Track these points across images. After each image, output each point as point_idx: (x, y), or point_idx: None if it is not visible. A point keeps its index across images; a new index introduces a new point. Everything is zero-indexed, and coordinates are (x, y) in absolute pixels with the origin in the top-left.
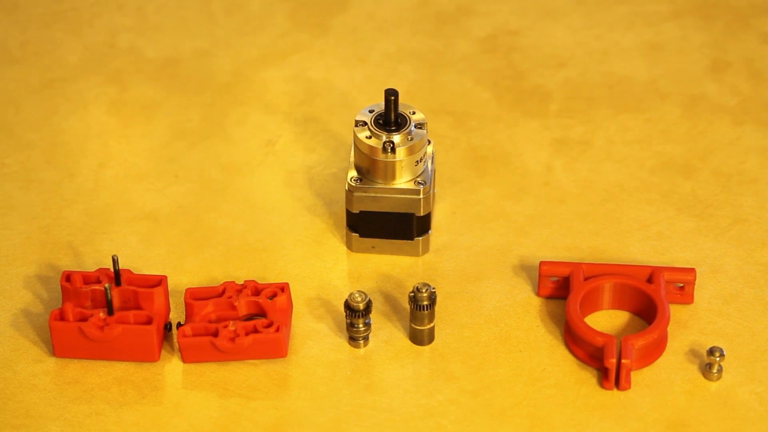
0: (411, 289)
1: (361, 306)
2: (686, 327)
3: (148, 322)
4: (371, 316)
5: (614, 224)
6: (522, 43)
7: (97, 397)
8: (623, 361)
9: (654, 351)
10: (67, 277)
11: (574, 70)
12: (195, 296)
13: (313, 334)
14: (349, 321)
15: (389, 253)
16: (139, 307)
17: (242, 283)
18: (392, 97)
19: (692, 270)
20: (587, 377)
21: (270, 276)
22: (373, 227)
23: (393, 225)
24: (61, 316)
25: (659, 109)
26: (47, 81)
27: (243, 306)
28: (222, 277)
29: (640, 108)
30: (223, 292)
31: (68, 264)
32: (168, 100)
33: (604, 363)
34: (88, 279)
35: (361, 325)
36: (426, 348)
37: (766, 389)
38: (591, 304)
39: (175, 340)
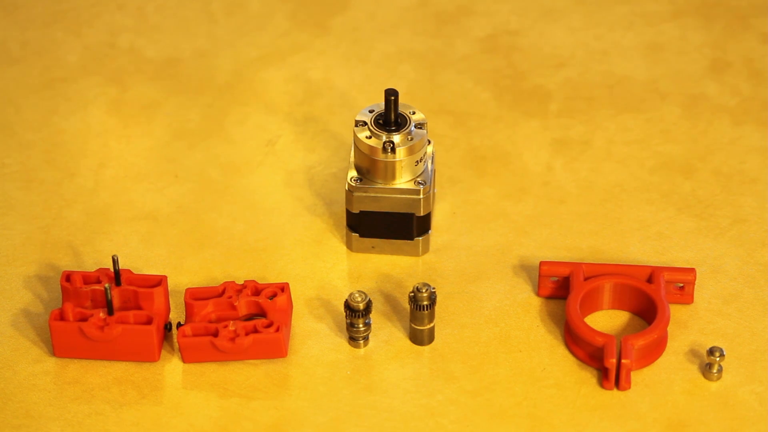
0: (411, 289)
1: (361, 306)
2: (686, 327)
3: (148, 322)
4: (371, 316)
5: (614, 224)
6: (522, 43)
7: (97, 397)
8: (623, 361)
9: (654, 351)
10: (67, 277)
11: (574, 70)
12: (195, 296)
13: (313, 334)
14: (349, 321)
15: (389, 253)
16: (139, 307)
17: (242, 283)
18: (392, 97)
19: (692, 270)
20: (587, 377)
21: (270, 276)
22: (373, 227)
23: (393, 225)
24: (61, 316)
25: (659, 109)
26: (47, 81)
27: (243, 306)
28: (222, 277)
29: (640, 108)
30: (223, 292)
31: (68, 264)
32: (168, 100)
33: (604, 363)
34: (88, 279)
35: (361, 325)
36: (426, 348)
37: (766, 389)
38: (591, 304)
39: (175, 340)
